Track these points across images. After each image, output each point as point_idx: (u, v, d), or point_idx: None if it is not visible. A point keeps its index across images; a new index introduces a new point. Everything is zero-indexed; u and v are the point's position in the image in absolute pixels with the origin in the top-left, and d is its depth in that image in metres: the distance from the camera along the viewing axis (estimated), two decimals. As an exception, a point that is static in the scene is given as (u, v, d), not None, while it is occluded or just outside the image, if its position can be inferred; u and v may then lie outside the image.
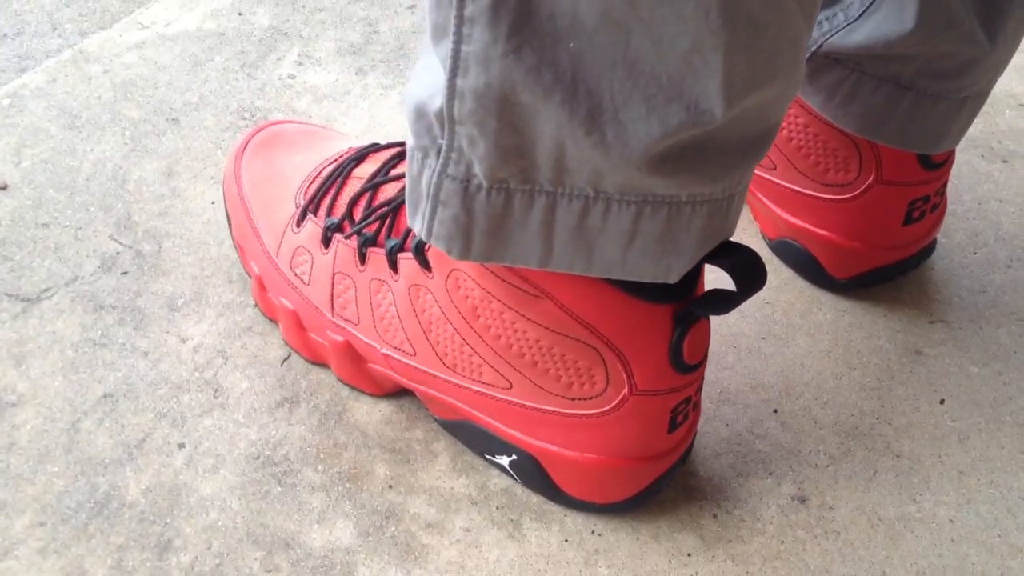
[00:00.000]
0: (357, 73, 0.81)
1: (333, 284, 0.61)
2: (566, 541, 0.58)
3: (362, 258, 0.59)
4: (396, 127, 0.78)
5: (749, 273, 0.49)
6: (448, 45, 0.41)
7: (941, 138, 0.62)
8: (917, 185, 0.64)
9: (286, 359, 0.65)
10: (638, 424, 0.54)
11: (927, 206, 0.65)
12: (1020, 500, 0.61)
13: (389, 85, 0.81)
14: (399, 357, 0.59)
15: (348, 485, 0.60)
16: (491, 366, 0.55)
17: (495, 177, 0.44)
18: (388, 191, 0.59)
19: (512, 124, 0.42)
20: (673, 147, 0.43)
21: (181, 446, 0.61)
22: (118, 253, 0.69)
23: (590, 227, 0.46)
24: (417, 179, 0.47)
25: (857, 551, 0.58)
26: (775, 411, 0.64)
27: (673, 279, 0.48)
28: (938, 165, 0.63)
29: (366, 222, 0.58)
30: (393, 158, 0.61)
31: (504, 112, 0.42)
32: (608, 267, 0.47)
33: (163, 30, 0.83)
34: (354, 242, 0.59)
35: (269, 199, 0.65)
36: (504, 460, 0.59)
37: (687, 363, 0.53)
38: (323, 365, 0.65)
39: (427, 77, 0.44)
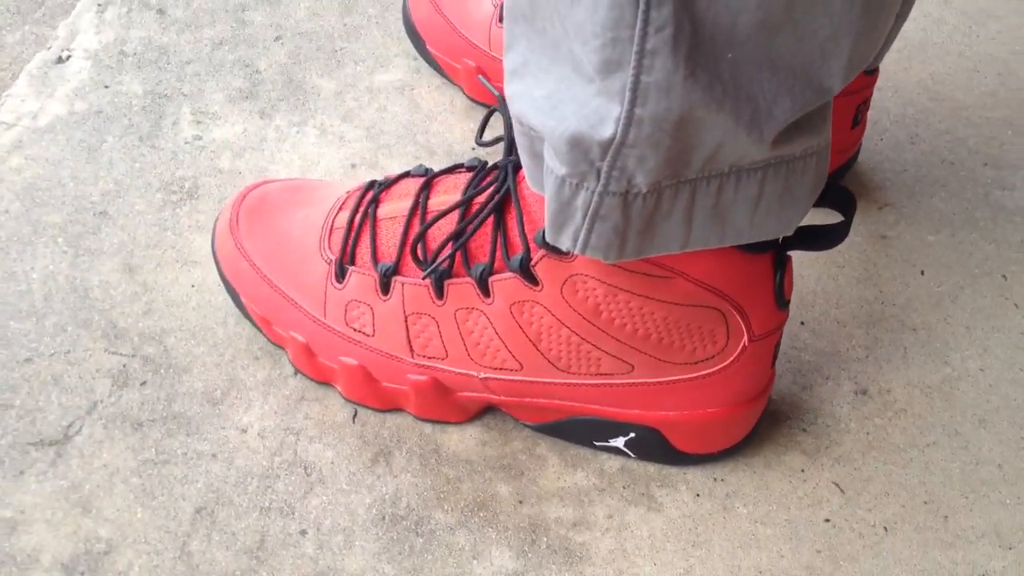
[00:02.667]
0: (262, 117, 0.78)
1: (408, 326, 0.60)
2: (698, 496, 0.62)
3: (440, 292, 0.58)
4: (329, 162, 0.76)
5: (848, 201, 0.54)
6: (625, 78, 0.42)
7: (883, 51, 0.69)
8: (862, 90, 0.71)
9: (355, 416, 0.64)
10: (753, 368, 0.58)
11: (866, 108, 0.73)
12: (1021, 336, 0.70)
13: (299, 122, 0.78)
14: (501, 376, 0.59)
15: (482, 513, 0.60)
16: (612, 355, 0.57)
17: (655, 183, 0.47)
18: (443, 225, 0.59)
19: (682, 138, 0.45)
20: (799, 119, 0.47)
21: (303, 533, 0.58)
22: (124, 365, 0.64)
23: (724, 201, 0.49)
24: (568, 202, 0.48)
25: (926, 420, 0.65)
26: (802, 323, 0.70)
27: (791, 231, 0.52)
28: (874, 70, 0.71)
29: (443, 258, 0.57)
30: (420, 191, 0.61)
31: (679, 130, 0.44)
32: (739, 234, 0.51)
33: (33, 123, 0.76)
34: (425, 282, 0.59)
35: (291, 264, 0.63)
36: (619, 441, 0.61)
37: (786, 300, 0.57)
38: (394, 410, 0.64)
39: (581, 109, 0.45)
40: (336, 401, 0.64)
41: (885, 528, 0.61)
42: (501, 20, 0.76)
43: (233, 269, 0.64)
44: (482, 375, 0.60)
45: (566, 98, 0.46)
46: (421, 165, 0.64)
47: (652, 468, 0.63)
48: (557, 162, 0.47)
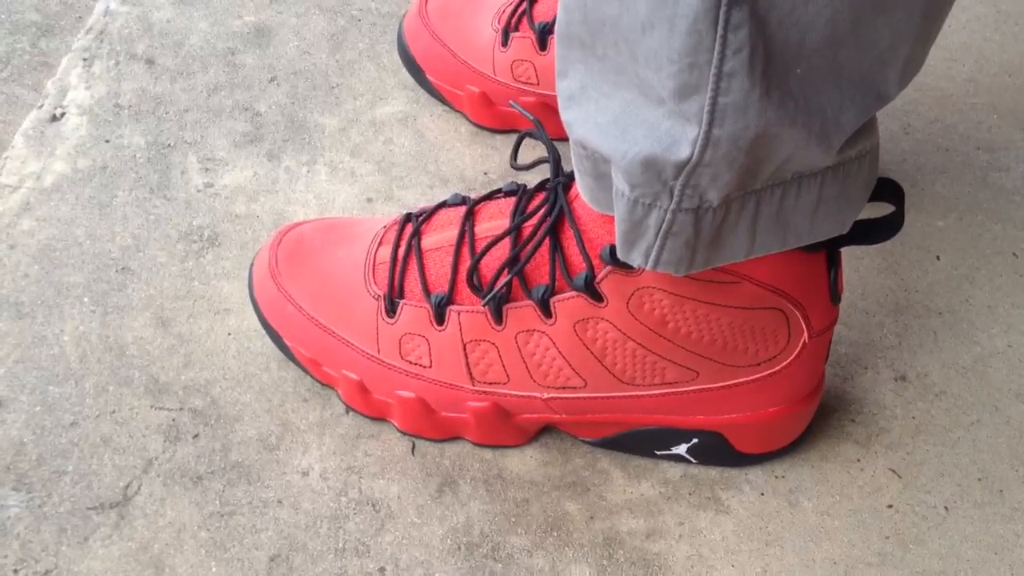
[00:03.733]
0: (270, 160, 0.78)
1: (467, 354, 0.60)
2: (762, 495, 0.62)
3: (499, 318, 0.58)
4: (345, 198, 0.76)
5: (896, 191, 0.55)
6: (702, 100, 0.43)
7: None
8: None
9: (413, 448, 0.63)
10: (812, 364, 0.60)
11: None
12: (1041, 309, 0.72)
13: (308, 161, 0.78)
14: (565, 395, 0.60)
15: (555, 533, 0.60)
16: (677, 364, 0.58)
17: (725, 197, 0.48)
18: (495, 251, 0.59)
19: (756, 153, 0.46)
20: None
21: (382, 571, 0.58)
22: (174, 420, 0.63)
23: (786, 207, 0.50)
24: (640, 221, 0.49)
25: (966, 400, 0.67)
26: (833, 317, 0.71)
27: (847, 230, 0.53)
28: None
29: (501, 285, 0.57)
30: (465, 220, 0.61)
31: (753, 147, 0.45)
32: (799, 237, 0.52)
33: (38, 184, 0.74)
34: (480, 306, 0.59)
35: (339, 303, 0.62)
36: (681, 448, 0.62)
37: (839, 295, 0.58)
38: (452, 439, 0.64)
39: (652, 132, 0.46)
40: (392, 435, 0.64)
41: (946, 508, 0.62)
42: (504, 44, 0.77)
43: (277, 314, 0.64)
44: (546, 395, 0.60)
45: (635, 122, 0.47)
46: (457, 194, 0.64)
47: (714, 472, 0.63)
48: (628, 184, 0.48)
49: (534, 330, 0.58)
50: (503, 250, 0.59)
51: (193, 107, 0.81)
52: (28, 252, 0.71)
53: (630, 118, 0.47)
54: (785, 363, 0.59)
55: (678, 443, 0.62)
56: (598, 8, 0.45)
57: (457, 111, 0.82)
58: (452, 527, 0.60)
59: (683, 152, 0.45)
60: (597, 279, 0.56)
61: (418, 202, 0.76)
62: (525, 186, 0.62)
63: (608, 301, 0.56)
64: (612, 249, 0.54)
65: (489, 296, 0.58)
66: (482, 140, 0.81)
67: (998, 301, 0.73)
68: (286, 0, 0.90)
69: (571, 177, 0.58)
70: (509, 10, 0.78)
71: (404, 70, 0.84)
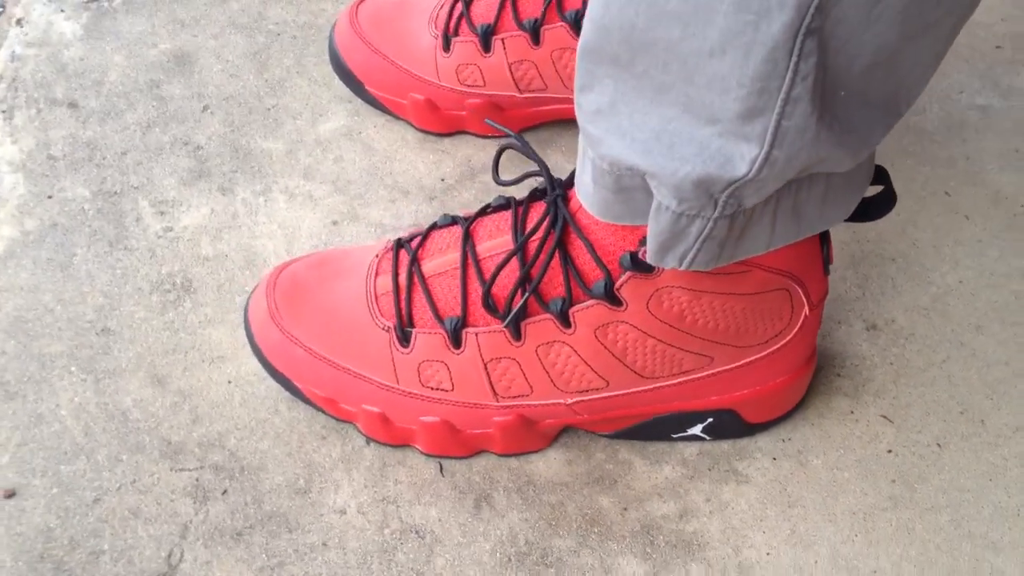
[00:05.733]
0: (223, 194, 0.76)
1: (488, 373, 0.61)
2: (775, 459, 0.66)
3: (517, 335, 0.60)
4: (311, 224, 0.75)
5: (882, 172, 0.59)
6: (766, 123, 0.46)
7: None
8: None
9: (441, 469, 0.65)
10: (811, 332, 0.63)
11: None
12: (979, 243, 0.78)
13: (263, 190, 0.77)
14: (588, 397, 0.62)
15: (596, 529, 0.63)
16: (694, 353, 0.61)
17: (763, 200, 0.50)
18: (503, 269, 0.60)
19: (802, 169, 0.49)
20: None
21: (441, 595, 0.60)
22: (197, 480, 0.63)
23: (800, 200, 0.53)
24: (682, 231, 0.51)
25: (933, 339, 0.72)
26: (799, 277, 0.75)
27: (850, 214, 0.57)
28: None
29: (519, 305, 0.59)
30: (464, 243, 0.62)
31: (804, 165, 0.48)
32: (811, 226, 0.55)
33: (-12, 252, 0.72)
34: (498, 325, 0.60)
35: (349, 339, 0.63)
36: (697, 429, 0.65)
37: (830, 266, 0.62)
38: (477, 454, 0.65)
39: (703, 151, 0.48)
40: (418, 459, 0.65)
41: (938, 445, 0.67)
42: (447, 49, 0.77)
43: (284, 358, 0.64)
44: (570, 400, 0.62)
45: (681, 139, 0.49)
46: (446, 215, 0.65)
47: (726, 445, 0.67)
48: (675, 199, 0.50)
49: (554, 341, 0.60)
50: (511, 268, 0.60)
51: (130, 148, 0.79)
52: (0, 328, 0.69)
53: (675, 135, 0.49)
54: (789, 336, 0.62)
55: (694, 424, 0.65)
56: (651, 30, 0.46)
57: (401, 119, 0.82)
58: (498, 540, 0.62)
59: (739, 170, 0.47)
60: (616, 286, 0.58)
61: (383, 219, 0.76)
62: (513, 199, 0.63)
63: (628, 304, 0.58)
64: (631, 256, 0.56)
65: (511, 318, 0.59)
66: (431, 146, 0.81)
67: (941, 240, 0.78)
68: (198, 23, 0.87)
69: (565, 186, 0.60)
70: (444, 14, 0.78)
71: (337, 82, 0.83)
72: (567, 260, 0.59)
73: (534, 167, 0.62)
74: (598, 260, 0.58)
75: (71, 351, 0.68)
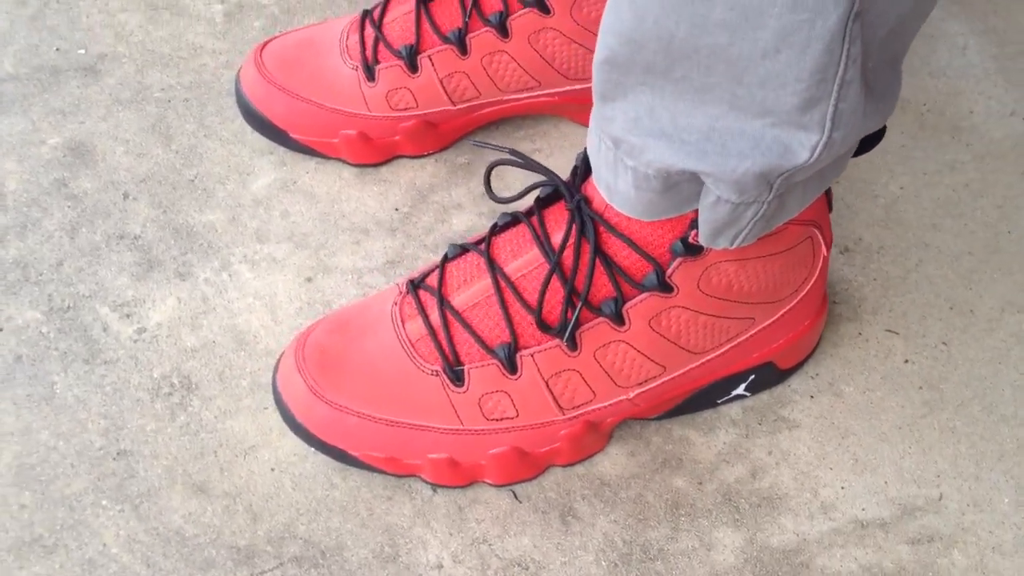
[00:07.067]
0: (184, 280, 0.72)
1: (550, 390, 0.61)
2: (812, 397, 0.69)
3: (574, 345, 0.60)
4: (285, 286, 0.72)
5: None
6: (824, 109, 0.48)
7: None
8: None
9: (515, 495, 0.64)
10: (825, 271, 0.66)
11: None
12: (902, 148, 0.82)
13: (221, 265, 0.73)
14: (648, 387, 0.63)
15: (682, 511, 0.64)
16: (738, 319, 0.62)
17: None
18: (539, 283, 0.60)
19: (854, 143, 0.51)
20: None
21: (568, 618, 0.60)
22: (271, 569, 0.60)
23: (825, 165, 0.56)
24: (739, 217, 0.53)
25: (899, 246, 0.77)
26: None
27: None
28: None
29: (574, 318, 0.59)
30: (491, 268, 0.61)
31: (855, 139, 0.51)
32: (829, 180, 0.58)
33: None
34: (554, 341, 0.60)
35: (398, 393, 0.61)
36: (740, 388, 0.67)
37: (832, 205, 0.65)
38: (544, 472, 0.65)
39: (758, 144, 0.50)
40: (489, 493, 0.64)
41: (944, 343, 0.72)
42: (371, 79, 0.75)
43: (336, 430, 0.61)
44: (631, 395, 0.63)
45: (732, 135, 0.50)
46: (454, 245, 0.64)
47: (765, 396, 0.69)
48: (736, 193, 0.51)
49: (610, 342, 0.60)
50: (554, 283, 0.60)
51: (64, 257, 0.73)
52: (6, 481, 0.63)
53: (726, 133, 0.50)
54: (812, 280, 0.65)
55: (737, 385, 0.67)
56: (695, 39, 0.47)
57: (331, 158, 0.79)
58: (597, 549, 0.62)
59: (800, 158, 0.49)
60: (668, 273, 0.58)
61: (355, 264, 0.74)
62: (520, 213, 0.63)
63: (679, 289, 0.59)
64: (683, 241, 0.57)
65: (569, 331, 0.59)
66: (371, 178, 0.79)
67: (872, 155, 0.82)
68: (79, 108, 0.82)
69: (579, 186, 0.60)
70: (355, 43, 0.76)
71: (252, 135, 0.80)
72: (608, 261, 0.59)
73: (507, 180, 0.62)
74: (643, 253, 0.58)
75: (94, 484, 0.63)
